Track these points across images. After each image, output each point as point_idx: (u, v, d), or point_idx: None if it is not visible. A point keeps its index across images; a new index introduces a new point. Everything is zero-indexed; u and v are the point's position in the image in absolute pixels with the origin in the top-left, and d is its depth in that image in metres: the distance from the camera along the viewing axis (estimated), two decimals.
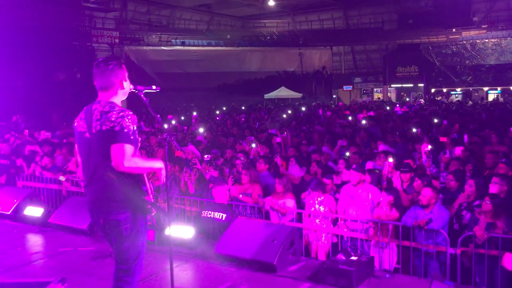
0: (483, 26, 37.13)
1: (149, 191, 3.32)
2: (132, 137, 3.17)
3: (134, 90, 3.52)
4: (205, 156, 7.91)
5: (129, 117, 3.22)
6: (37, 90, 27.67)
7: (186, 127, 14.11)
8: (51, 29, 32.38)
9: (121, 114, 3.21)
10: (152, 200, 3.31)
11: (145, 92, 3.64)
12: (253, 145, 8.68)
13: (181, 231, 5.34)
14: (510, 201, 5.53)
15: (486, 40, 37.31)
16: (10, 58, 24.75)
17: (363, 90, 45.60)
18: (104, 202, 3.25)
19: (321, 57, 42.36)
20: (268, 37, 43.00)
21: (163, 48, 38.35)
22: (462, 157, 7.88)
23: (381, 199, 5.92)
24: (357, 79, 45.15)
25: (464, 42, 37.96)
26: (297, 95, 37.68)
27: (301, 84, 39.94)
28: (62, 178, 8.33)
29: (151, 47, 37.91)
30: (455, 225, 5.84)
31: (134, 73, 37.25)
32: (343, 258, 4.87)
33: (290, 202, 6.49)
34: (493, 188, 5.71)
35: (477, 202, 5.64)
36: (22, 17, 28.55)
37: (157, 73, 37.71)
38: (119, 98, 3.40)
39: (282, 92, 37.59)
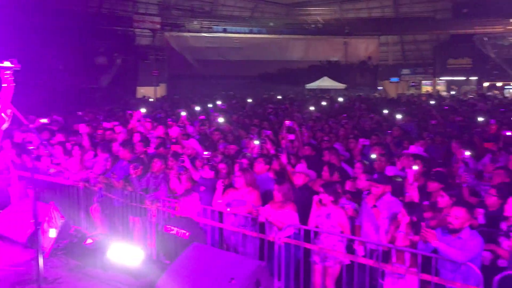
0: None
1: None
2: None
3: None
4: (205, 153, 6.91)
5: None
6: (77, 74, 27.68)
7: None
8: (94, 14, 32.48)
9: None
10: None
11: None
12: (256, 142, 7.48)
13: (127, 253, 4.34)
14: None
15: None
16: (51, 42, 24.75)
17: (411, 83, 43.33)
18: None
19: (367, 47, 40.49)
20: (313, 26, 41.45)
21: (203, 34, 37.70)
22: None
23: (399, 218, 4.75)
24: (405, 71, 42.93)
25: None
26: (340, 86, 36.09)
27: (345, 74, 38.22)
28: (51, 170, 7.66)
29: (192, 34, 37.35)
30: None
31: (175, 59, 37.01)
32: None
33: (290, 214, 5.43)
34: None
35: None
36: (65, 2, 28.64)
37: (197, 60, 37.27)
38: None
39: (325, 83, 36.11)
